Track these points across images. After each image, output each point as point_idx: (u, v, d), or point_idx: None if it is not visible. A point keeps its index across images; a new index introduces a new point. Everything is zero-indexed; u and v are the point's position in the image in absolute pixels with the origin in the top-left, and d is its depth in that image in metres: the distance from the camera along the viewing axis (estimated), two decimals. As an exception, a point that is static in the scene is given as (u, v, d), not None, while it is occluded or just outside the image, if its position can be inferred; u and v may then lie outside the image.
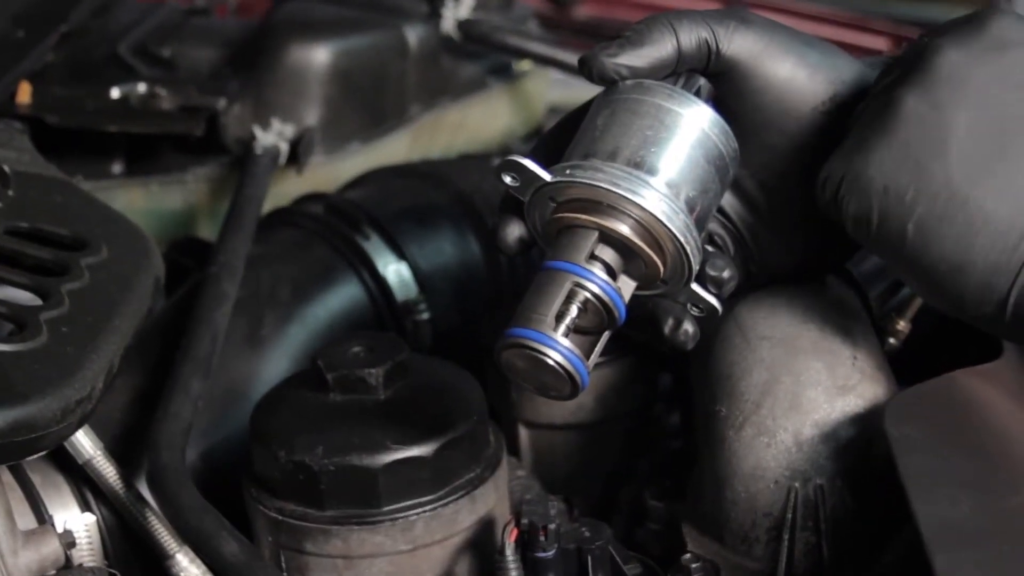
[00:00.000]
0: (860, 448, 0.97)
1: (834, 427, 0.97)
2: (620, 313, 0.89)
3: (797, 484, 0.96)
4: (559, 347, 0.86)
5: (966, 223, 0.86)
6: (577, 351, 0.87)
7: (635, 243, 0.88)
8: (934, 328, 1.13)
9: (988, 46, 0.88)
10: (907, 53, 0.91)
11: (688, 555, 1.00)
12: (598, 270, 0.88)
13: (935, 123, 0.87)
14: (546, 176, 0.90)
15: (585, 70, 0.93)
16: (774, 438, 0.97)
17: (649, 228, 0.88)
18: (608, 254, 0.89)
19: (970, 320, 0.89)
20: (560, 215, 0.90)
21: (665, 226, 0.88)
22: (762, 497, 0.97)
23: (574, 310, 0.87)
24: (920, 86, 0.88)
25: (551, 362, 0.86)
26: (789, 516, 0.97)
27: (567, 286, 0.87)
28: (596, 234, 0.89)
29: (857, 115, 0.92)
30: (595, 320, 0.89)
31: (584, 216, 0.89)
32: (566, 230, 0.90)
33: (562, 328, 0.87)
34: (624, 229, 0.88)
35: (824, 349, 1.00)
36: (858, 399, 0.98)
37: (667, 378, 1.28)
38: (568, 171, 0.89)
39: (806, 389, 0.98)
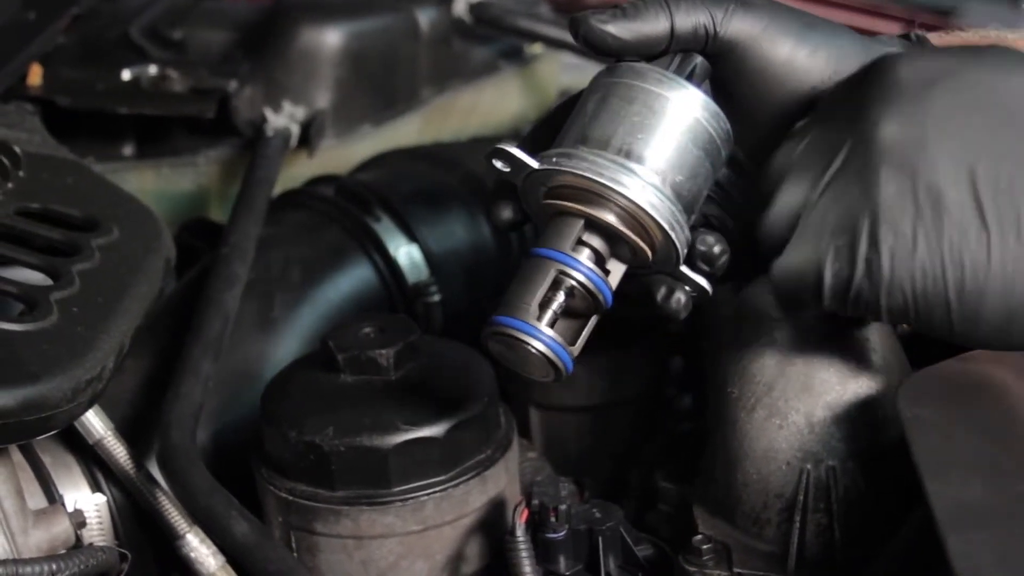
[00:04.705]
0: (872, 430, 0.96)
1: (846, 409, 0.97)
2: (606, 298, 0.90)
3: (809, 466, 0.96)
4: (541, 336, 0.87)
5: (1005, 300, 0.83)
6: (559, 339, 0.88)
7: (621, 231, 0.89)
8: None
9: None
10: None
11: (699, 537, 0.99)
12: (584, 257, 0.89)
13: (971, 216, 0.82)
14: (533, 164, 0.90)
15: (572, 30, 0.94)
16: (786, 420, 0.97)
17: (635, 216, 0.88)
18: (596, 240, 0.90)
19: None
20: (550, 201, 0.91)
21: (649, 214, 0.88)
22: (774, 479, 0.97)
23: (560, 297, 0.88)
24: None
25: (533, 351, 0.87)
26: (801, 498, 0.96)
27: (552, 274, 0.88)
28: (582, 222, 0.89)
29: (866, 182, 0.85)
30: (583, 305, 0.90)
31: (571, 204, 0.89)
32: (555, 217, 0.91)
33: (547, 316, 0.88)
34: (610, 217, 0.89)
35: (836, 331, 1.00)
36: (870, 381, 0.98)
37: (678, 361, 1.27)
38: (555, 159, 0.90)
39: (818, 371, 0.98)
